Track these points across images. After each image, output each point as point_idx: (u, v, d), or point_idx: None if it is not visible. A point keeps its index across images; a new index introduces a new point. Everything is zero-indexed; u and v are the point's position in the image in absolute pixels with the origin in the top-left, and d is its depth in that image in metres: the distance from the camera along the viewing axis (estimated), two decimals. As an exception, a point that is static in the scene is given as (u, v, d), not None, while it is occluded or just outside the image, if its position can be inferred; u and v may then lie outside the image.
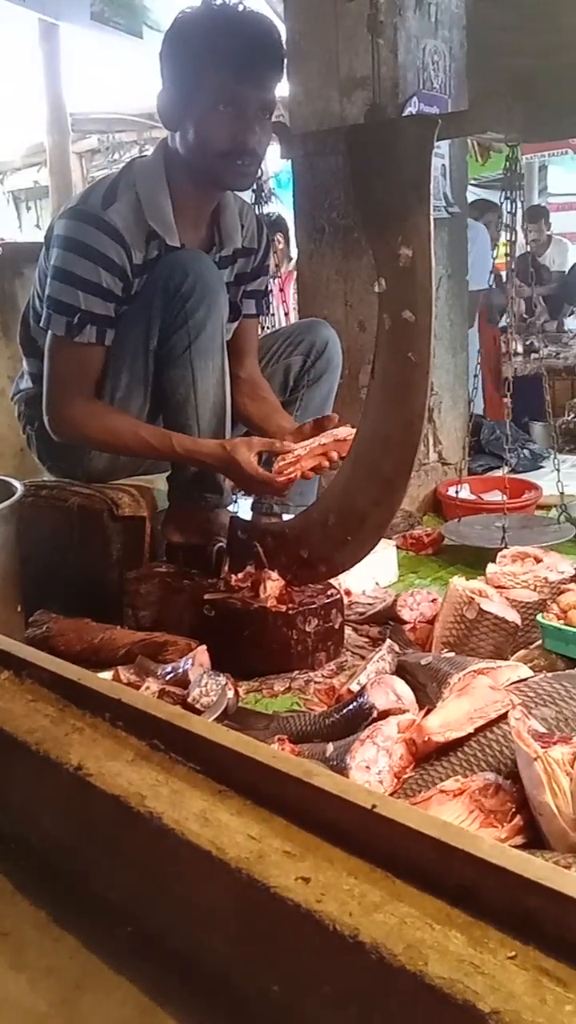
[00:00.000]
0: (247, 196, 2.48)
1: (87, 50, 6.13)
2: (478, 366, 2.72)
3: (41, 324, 1.92)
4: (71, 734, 0.77)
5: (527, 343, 4.71)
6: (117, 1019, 0.62)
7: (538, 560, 1.98)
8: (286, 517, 2.17)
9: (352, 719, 1.39)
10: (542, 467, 3.36)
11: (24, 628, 1.85)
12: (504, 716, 1.22)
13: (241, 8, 1.82)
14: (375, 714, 1.34)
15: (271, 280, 4.52)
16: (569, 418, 4.15)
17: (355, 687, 1.51)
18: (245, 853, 0.60)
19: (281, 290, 4.92)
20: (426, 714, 1.28)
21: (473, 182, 5.25)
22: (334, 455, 1.84)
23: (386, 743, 1.25)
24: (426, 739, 1.23)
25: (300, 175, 2.88)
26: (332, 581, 1.91)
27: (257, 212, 2.38)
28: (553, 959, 0.49)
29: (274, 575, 1.82)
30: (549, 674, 1.40)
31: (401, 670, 1.54)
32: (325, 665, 1.80)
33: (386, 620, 1.96)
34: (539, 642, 1.66)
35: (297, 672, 1.76)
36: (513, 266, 2.55)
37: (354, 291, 2.80)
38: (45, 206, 8.32)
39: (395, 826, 0.57)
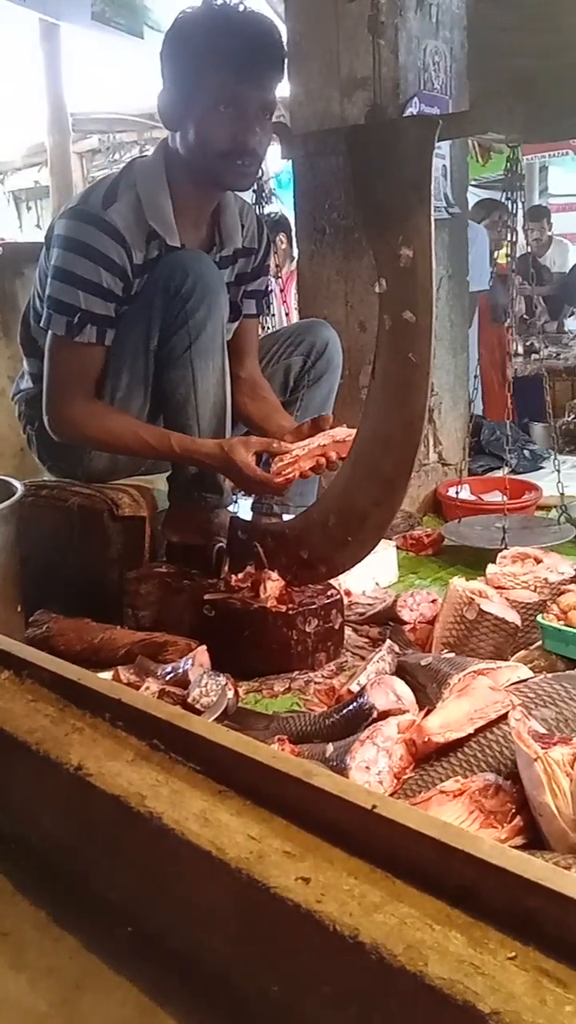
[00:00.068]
0: (248, 196, 2.47)
1: (88, 50, 6.14)
2: (477, 366, 2.72)
3: (41, 324, 1.92)
4: (71, 734, 0.77)
5: (527, 344, 4.71)
6: (117, 1019, 0.62)
7: (538, 561, 1.98)
8: (286, 517, 2.17)
9: (352, 719, 1.39)
10: (542, 468, 3.36)
11: (24, 628, 1.85)
12: (504, 717, 1.22)
13: (242, 8, 1.82)
14: (375, 715, 1.34)
15: (273, 280, 4.53)
16: (569, 419, 4.15)
17: (355, 687, 1.51)
18: (245, 853, 0.60)
19: (282, 290, 4.92)
20: (426, 715, 1.28)
21: (474, 183, 5.26)
22: (332, 456, 1.84)
23: (386, 743, 1.25)
24: (426, 740, 1.23)
25: (301, 175, 2.88)
26: (332, 581, 1.91)
27: (258, 212, 2.38)
28: (553, 960, 0.49)
29: (274, 575, 1.82)
30: (549, 675, 1.40)
31: (401, 671, 1.54)
32: (325, 665, 1.80)
33: (386, 621, 1.96)
34: (539, 643, 1.66)
35: (297, 672, 1.76)
36: (514, 266, 2.55)
37: (355, 291, 2.80)
38: (46, 206, 8.32)
39: (395, 826, 0.57)
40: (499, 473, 2.91)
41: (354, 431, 1.82)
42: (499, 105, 2.28)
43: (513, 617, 1.68)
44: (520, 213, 2.51)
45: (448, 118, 2.59)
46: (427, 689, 1.44)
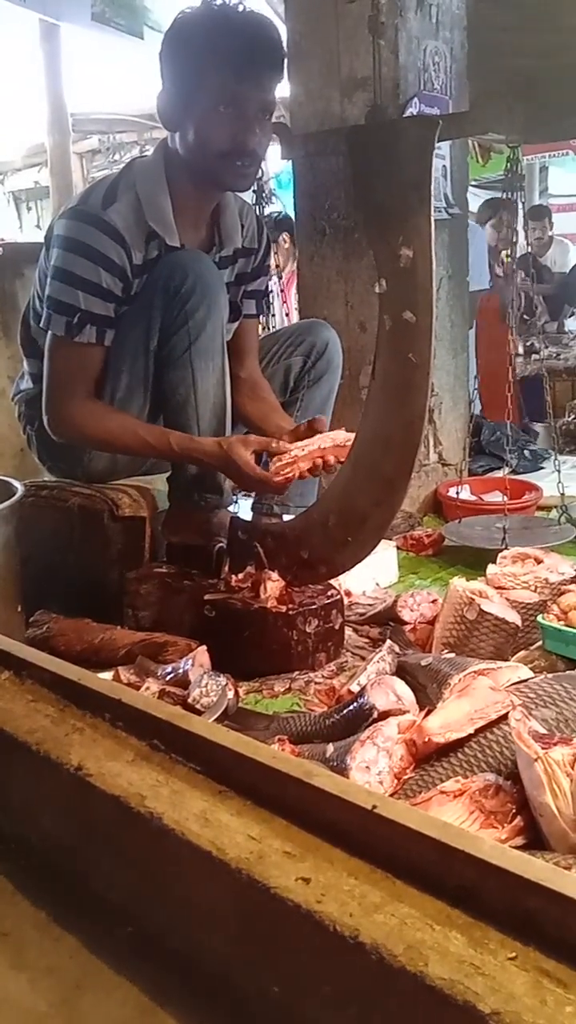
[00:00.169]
0: (248, 196, 2.47)
1: (88, 50, 6.13)
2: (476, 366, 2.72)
3: (41, 324, 1.92)
4: (71, 734, 0.77)
5: (527, 344, 4.71)
6: (117, 1019, 0.62)
7: (538, 561, 1.98)
8: (286, 518, 2.17)
9: (352, 720, 1.39)
10: (542, 468, 3.36)
11: (24, 628, 1.85)
12: (504, 717, 1.22)
13: (241, 8, 1.82)
14: (375, 715, 1.34)
15: (276, 279, 4.52)
16: (569, 419, 4.15)
17: (355, 688, 1.51)
18: (245, 853, 0.60)
19: (283, 291, 4.92)
20: (426, 715, 1.28)
21: (474, 183, 5.25)
22: (331, 459, 1.83)
23: (386, 744, 1.25)
24: (426, 740, 1.23)
25: (301, 176, 2.88)
26: (332, 582, 1.91)
27: (258, 212, 2.38)
28: (554, 960, 0.49)
29: (274, 576, 1.82)
30: (549, 675, 1.40)
31: (401, 671, 1.54)
32: (325, 666, 1.80)
33: (386, 621, 1.96)
34: (539, 643, 1.66)
35: (297, 673, 1.76)
36: (514, 266, 2.55)
37: (355, 292, 2.80)
38: (46, 206, 8.33)
39: (395, 827, 0.57)
40: (499, 473, 2.91)
41: (353, 435, 1.82)
42: (499, 105, 2.28)
43: (513, 617, 1.68)
44: (520, 213, 2.51)
45: (448, 118, 2.59)
46: (427, 689, 1.44)
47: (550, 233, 7.00)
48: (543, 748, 1.06)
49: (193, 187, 1.93)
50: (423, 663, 1.51)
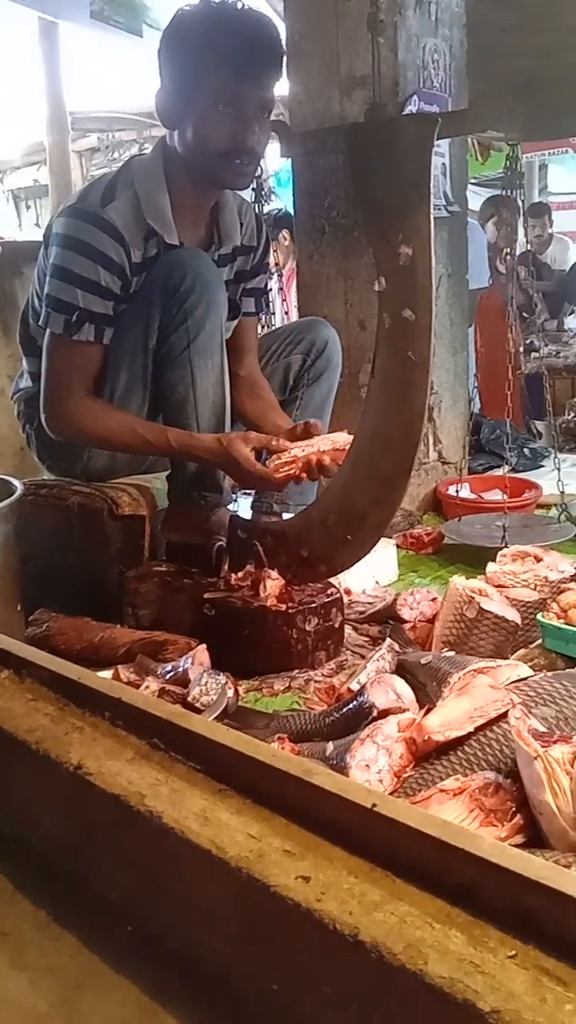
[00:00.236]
0: (247, 194, 2.47)
1: (87, 49, 6.12)
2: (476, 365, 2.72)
3: (40, 322, 1.92)
4: (71, 733, 0.77)
5: (527, 342, 4.71)
6: (117, 1019, 0.62)
7: (538, 559, 1.98)
8: (286, 516, 2.17)
9: (352, 718, 1.39)
10: (542, 466, 3.36)
11: (24, 627, 1.85)
12: (504, 715, 1.22)
13: (240, 6, 1.82)
14: (375, 713, 1.35)
15: (276, 277, 4.51)
16: (569, 417, 4.15)
17: (355, 686, 1.51)
18: (245, 852, 0.60)
19: (282, 289, 4.91)
20: (426, 713, 1.28)
21: (473, 181, 5.26)
22: (327, 460, 1.83)
23: (386, 742, 1.25)
24: (426, 738, 1.23)
25: (300, 174, 2.87)
26: (332, 580, 1.91)
27: (257, 210, 2.38)
28: (553, 958, 0.49)
29: (274, 574, 1.82)
30: (549, 673, 1.40)
31: (401, 669, 1.54)
32: (325, 664, 1.80)
33: (386, 619, 1.96)
34: (539, 641, 1.66)
35: (297, 671, 1.76)
36: (514, 264, 2.55)
37: (354, 290, 2.80)
38: (45, 205, 8.32)
39: (395, 825, 0.57)
40: (499, 471, 2.91)
41: (352, 437, 1.82)
42: (499, 103, 2.28)
43: (513, 615, 1.68)
44: (520, 211, 2.51)
45: (447, 116, 2.59)
46: (427, 687, 1.44)
47: (550, 231, 6.99)
48: (543, 746, 1.06)
49: (192, 185, 1.93)
50: (423, 661, 1.51)
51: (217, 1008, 0.61)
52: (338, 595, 1.86)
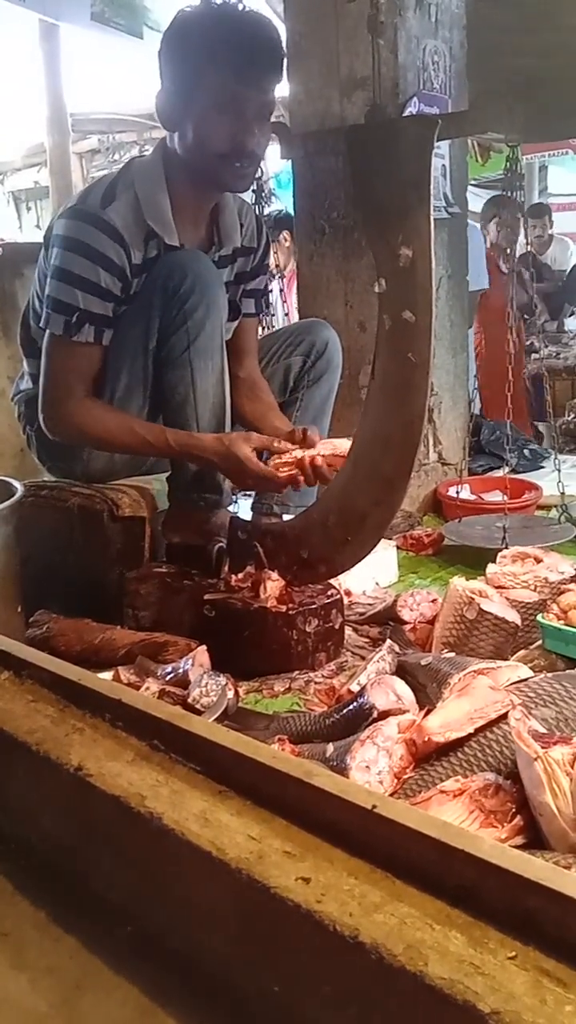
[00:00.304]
0: (247, 196, 2.47)
1: (87, 50, 6.13)
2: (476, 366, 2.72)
3: (40, 324, 1.92)
4: (71, 734, 0.77)
5: (527, 343, 4.71)
6: (117, 1019, 0.62)
7: (538, 560, 1.98)
8: (286, 517, 2.17)
9: (352, 719, 1.39)
10: (542, 467, 3.36)
11: (24, 628, 1.85)
12: (504, 716, 1.22)
13: (241, 7, 1.81)
14: (375, 714, 1.34)
15: (277, 278, 4.51)
16: (569, 418, 4.16)
17: (355, 687, 1.51)
18: (245, 853, 0.60)
19: (282, 291, 4.91)
20: (426, 714, 1.28)
21: (473, 182, 5.25)
22: (323, 464, 1.83)
23: (386, 743, 1.25)
24: (426, 739, 1.23)
25: (300, 175, 2.88)
26: (332, 581, 1.91)
27: (257, 211, 2.38)
28: (553, 960, 0.49)
29: (274, 575, 1.82)
30: (549, 674, 1.40)
31: (401, 670, 1.54)
32: (325, 665, 1.80)
33: (386, 620, 1.96)
34: (539, 642, 1.66)
35: (297, 672, 1.76)
36: (514, 265, 2.55)
37: (354, 291, 2.80)
38: (45, 206, 8.32)
39: (395, 826, 0.57)
40: (499, 473, 2.91)
41: (352, 442, 1.82)
42: (499, 105, 2.28)
43: (513, 617, 1.68)
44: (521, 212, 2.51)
45: (447, 118, 2.59)
46: (427, 689, 1.44)
47: (550, 231, 6.99)
48: (543, 747, 1.06)
49: (192, 186, 1.93)
50: (423, 662, 1.51)
51: (217, 1008, 0.61)
52: (338, 596, 1.86)
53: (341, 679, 1.72)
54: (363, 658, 1.77)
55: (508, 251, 2.70)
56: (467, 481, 2.83)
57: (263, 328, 2.66)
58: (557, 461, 2.64)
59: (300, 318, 2.94)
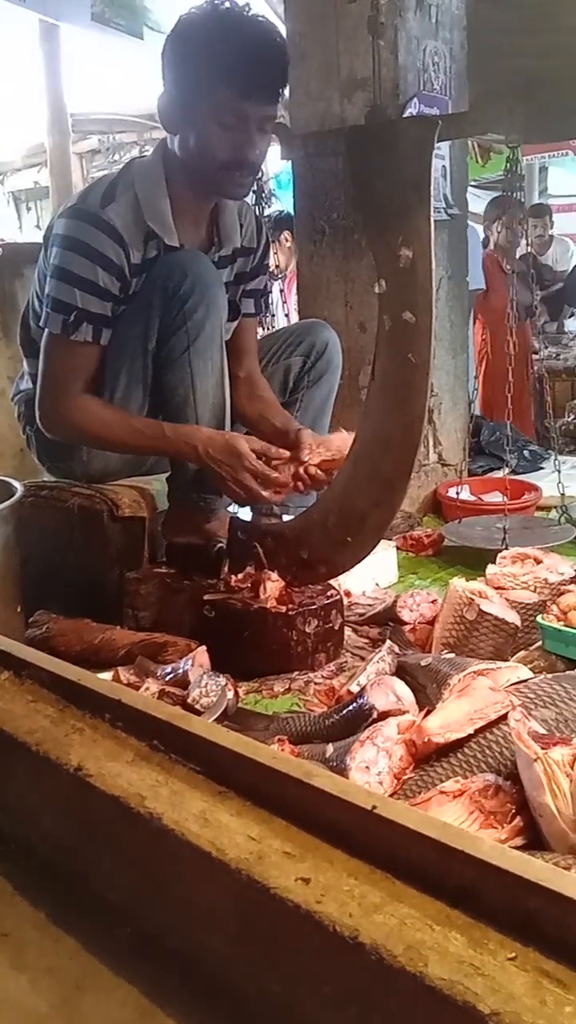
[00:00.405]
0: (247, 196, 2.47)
1: (88, 51, 6.11)
2: (477, 367, 2.72)
3: (40, 323, 1.92)
4: (71, 734, 0.77)
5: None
6: (117, 1020, 0.62)
7: (538, 561, 1.98)
8: (286, 518, 2.17)
9: (352, 720, 1.39)
10: (542, 468, 3.36)
11: (24, 628, 1.85)
12: (504, 717, 1.22)
13: (246, 13, 1.78)
14: (375, 715, 1.34)
15: (278, 279, 4.50)
16: (569, 419, 4.16)
17: (355, 688, 1.51)
18: (245, 854, 0.60)
19: (282, 291, 4.91)
20: (426, 715, 1.28)
21: (473, 183, 5.25)
22: (314, 470, 1.83)
23: (386, 744, 1.25)
24: (426, 740, 1.23)
25: (300, 176, 2.88)
26: (332, 582, 1.91)
27: (257, 212, 2.38)
28: (553, 961, 0.49)
29: (274, 576, 1.82)
30: (549, 675, 1.40)
31: (401, 671, 1.54)
32: (325, 666, 1.80)
33: (386, 621, 1.96)
34: (539, 643, 1.66)
35: (297, 673, 1.76)
36: (514, 267, 2.55)
37: (354, 292, 2.80)
38: (45, 207, 8.32)
39: (395, 827, 0.57)
40: (499, 473, 2.91)
41: (350, 436, 1.82)
42: (499, 106, 2.28)
43: (513, 618, 1.68)
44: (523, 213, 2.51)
45: (448, 119, 2.59)
46: (427, 689, 1.44)
47: (551, 232, 6.99)
48: (543, 748, 1.06)
49: (192, 188, 1.93)
50: (423, 663, 1.51)
51: (217, 1008, 0.61)
52: (338, 597, 1.86)
53: (341, 680, 1.72)
54: (363, 659, 1.77)
55: (512, 252, 2.70)
56: (467, 482, 2.83)
57: (263, 328, 2.66)
58: (557, 462, 2.64)
59: (300, 319, 2.94)
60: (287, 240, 4.78)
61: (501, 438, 2.69)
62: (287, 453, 1.84)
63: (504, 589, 1.84)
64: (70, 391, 1.91)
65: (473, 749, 1.22)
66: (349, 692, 1.53)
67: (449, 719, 1.25)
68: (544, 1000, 0.47)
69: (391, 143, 1.76)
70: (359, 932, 0.53)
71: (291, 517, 2.13)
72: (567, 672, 1.49)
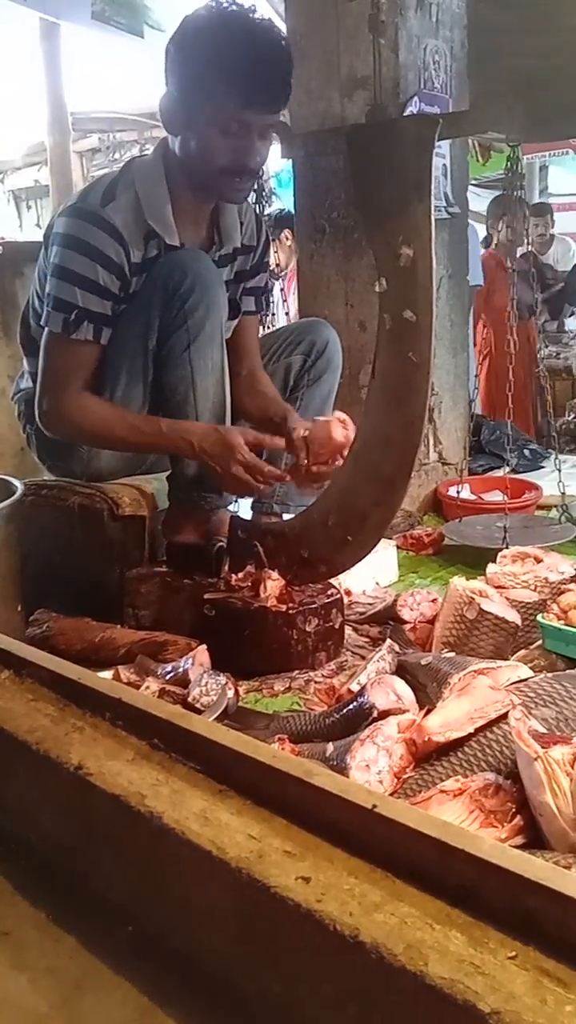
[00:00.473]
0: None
1: (88, 49, 6.11)
2: (477, 366, 2.72)
3: (40, 322, 1.92)
4: (71, 733, 0.77)
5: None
6: (117, 1020, 0.62)
7: (538, 560, 1.98)
8: (286, 517, 2.17)
9: (352, 719, 1.39)
10: (542, 467, 3.36)
11: (24, 627, 1.85)
12: (504, 716, 1.22)
13: (251, 16, 1.76)
14: (375, 714, 1.34)
15: (279, 279, 4.49)
16: (569, 418, 4.16)
17: (355, 687, 1.51)
18: (245, 853, 0.60)
19: (282, 290, 4.91)
20: (426, 714, 1.28)
21: (474, 182, 5.25)
22: (315, 469, 1.84)
23: (386, 743, 1.25)
24: (426, 739, 1.23)
25: (301, 175, 2.88)
26: (332, 581, 1.91)
27: (257, 210, 2.37)
28: (553, 960, 0.49)
29: (274, 575, 1.82)
30: (549, 674, 1.40)
31: (401, 670, 1.54)
32: (325, 665, 1.80)
33: (386, 620, 1.96)
34: (539, 642, 1.66)
35: (297, 672, 1.76)
36: (515, 266, 2.55)
37: (355, 291, 2.80)
38: (46, 205, 8.32)
39: (395, 826, 0.57)
40: (499, 472, 2.91)
41: (334, 419, 1.81)
42: (499, 105, 2.27)
43: (513, 616, 1.68)
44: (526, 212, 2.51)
45: (448, 117, 2.59)
46: (427, 688, 1.44)
47: (552, 231, 6.98)
48: (543, 747, 1.06)
49: (192, 189, 1.93)
50: (423, 662, 1.51)
51: (217, 1008, 0.61)
52: (338, 596, 1.86)
53: (341, 678, 1.72)
54: (363, 658, 1.77)
55: (513, 250, 2.69)
56: (467, 481, 2.83)
57: (263, 327, 2.66)
58: (557, 461, 2.64)
59: (300, 317, 2.94)
60: (287, 239, 4.78)
61: (501, 437, 2.69)
62: (282, 441, 1.83)
63: (504, 588, 1.84)
64: (70, 390, 1.90)
65: (473, 748, 1.22)
66: (349, 691, 1.53)
67: (449, 718, 1.25)
68: (544, 999, 0.47)
69: (391, 142, 1.76)
70: (359, 931, 0.53)
71: (291, 516, 2.13)
72: (567, 671, 1.49)
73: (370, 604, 2.07)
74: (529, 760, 1.06)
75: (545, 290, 6.00)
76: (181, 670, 1.58)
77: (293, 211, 3.06)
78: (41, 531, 1.98)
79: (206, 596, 1.82)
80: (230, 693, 1.48)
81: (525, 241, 2.74)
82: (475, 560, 2.30)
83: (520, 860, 0.52)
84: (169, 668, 1.62)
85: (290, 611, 1.76)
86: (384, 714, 1.34)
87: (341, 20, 2.65)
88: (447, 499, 2.84)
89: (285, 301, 4.88)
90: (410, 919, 0.53)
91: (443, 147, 2.78)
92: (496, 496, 2.79)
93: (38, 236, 2.25)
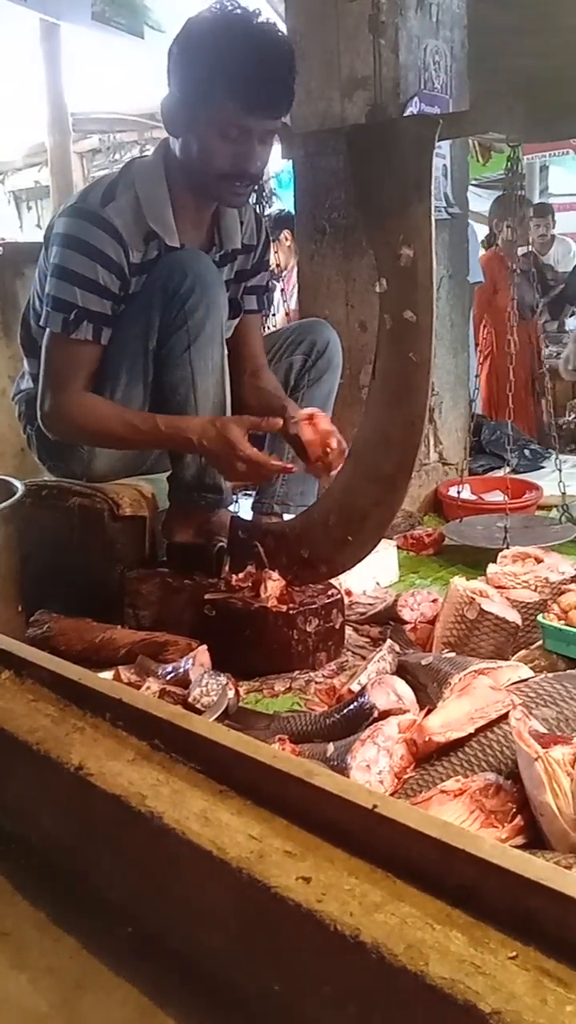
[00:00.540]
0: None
1: (88, 50, 6.11)
2: (479, 366, 2.72)
3: (40, 322, 1.92)
4: (72, 734, 0.77)
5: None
6: (117, 1019, 0.62)
7: (539, 560, 1.97)
8: (287, 517, 2.17)
9: (353, 719, 1.39)
10: (543, 467, 3.36)
11: (25, 628, 1.85)
12: (505, 716, 1.22)
13: (255, 21, 1.75)
14: (376, 714, 1.34)
15: (279, 279, 4.49)
16: (569, 418, 4.16)
17: (356, 687, 1.51)
18: (246, 853, 0.60)
19: (282, 290, 4.91)
20: (427, 714, 1.28)
21: (474, 182, 5.25)
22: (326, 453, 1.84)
23: (387, 743, 1.25)
24: (427, 739, 1.23)
25: (301, 175, 2.87)
26: (333, 581, 1.91)
27: (257, 210, 2.37)
28: (554, 960, 0.49)
29: (275, 575, 1.82)
30: (550, 674, 1.40)
31: (402, 670, 1.54)
32: (326, 665, 1.80)
33: (387, 620, 1.96)
34: (540, 642, 1.66)
35: (298, 672, 1.76)
36: (515, 266, 2.55)
37: (355, 291, 2.80)
38: (46, 206, 8.32)
39: (396, 826, 0.57)
40: (500, 473, 2.91)
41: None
42: (499, 105, 2.27)
43: (514, 617, 1.68)
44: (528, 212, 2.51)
45: (448, 118, 2.59)
46: (428, 689, 1.44)
47: (553, 232, 6.98)
48: (543, 747, 1.06)
49: (192, 190, 1.93)
50: (423, 662, 1.51)
51: (217, 1008, 0.61)
52: (339, 596, 1.86)
53: (341, 679, 1.72)
54: (363, 658, 1.77)
55: (514, 250, 2.69)
56: (468, 481, 2.82)
57: (263, 328, 2.66)
58: (558, 461, 2.64)
59: (301, 318, 2.94)
60: (287, 239, 4.78)
61: (502, 437, 2.69)
62: (279, 422, 1.82)
63: (505, 588, 1.84)
64: (71, 389, 1.90)
65: (474, 748, 1.21)
66: (350, 691, 1.53)
67: (450, 718, 1.25)
68: (545, 999, 0.47)
69: (392, 142, 1.76)
70: (360, 931, 0.52)
71: (292, 516, 2.13)
72: (568, 671, 1.49)
73: (370, 604, 2.07)
74: (530, 760, 1.06)
75: (545, 291, 6.00)
76: (182, 670, 1.58)
77: (293, 211, 3.06)
78: (41, 532, 1.98)
79: (206, 596, 1.82)
80: (230, 693, 1.48)
81: (527, 241, 2.74)
82: (475, 560, 2.30)
83: (521, 860, 0.52)
84: (170, 668, 1.62)
85: (290, 611, 1.76)
86: (385, 714, 1.33)
87: (341, 20, 2.65)
88: (447, 499, 2.84)
89: (285, 302, 4.88)
90: (411, 919, 0.53)
91: (443, 147, 2.78)
92: (497, 496, 2.79)
93: (38, 237, 2.25)
